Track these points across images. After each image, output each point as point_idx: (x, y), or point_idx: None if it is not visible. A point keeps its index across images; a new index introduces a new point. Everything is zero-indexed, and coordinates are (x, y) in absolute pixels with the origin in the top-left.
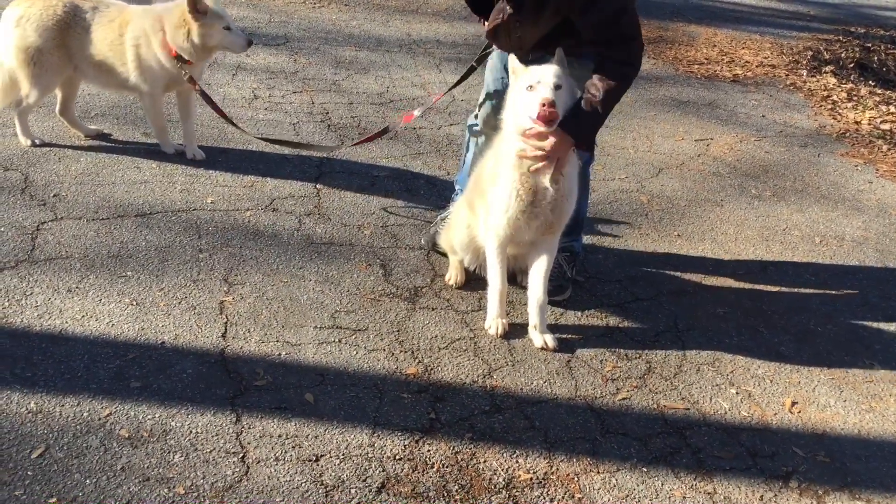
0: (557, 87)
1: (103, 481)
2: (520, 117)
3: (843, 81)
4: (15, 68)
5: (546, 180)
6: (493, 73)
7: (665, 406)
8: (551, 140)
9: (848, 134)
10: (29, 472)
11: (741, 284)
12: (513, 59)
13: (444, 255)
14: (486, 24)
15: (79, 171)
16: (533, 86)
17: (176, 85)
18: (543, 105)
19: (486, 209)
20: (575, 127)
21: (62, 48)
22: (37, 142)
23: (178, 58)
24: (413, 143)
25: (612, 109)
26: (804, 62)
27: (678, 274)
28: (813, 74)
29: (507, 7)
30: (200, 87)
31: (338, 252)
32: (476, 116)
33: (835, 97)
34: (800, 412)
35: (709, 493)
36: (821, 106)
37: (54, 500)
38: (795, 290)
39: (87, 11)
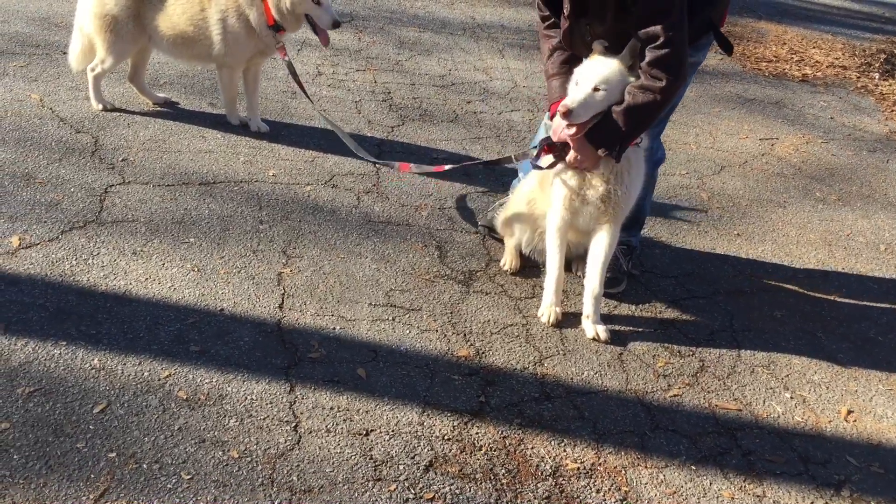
0: (596, 90)
1: (161, 440)
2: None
3: None
4: (92, 34)
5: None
6: None
7: (717, 405)
8: (571, 153)
9: None
10: (91, 426)
11: (801, 288)
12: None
13: (500, 240)
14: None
15: (147, 138)
16: (578, 83)
17: (259, 57)
18: (562, 112)
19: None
20: (596, 133)
21: (137, 18)
22: (108, 106)
23: (273, 27)
24: (473, 128)
25: (641, 126)
26: (877, 65)
27: (736, 273)
28: (885, 78)
29: (567, 7)
30: (289, 57)
31: (394, 231)
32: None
33: None
34: (855, 421)
35: (758, 496)
36: (892, 110)
37: (114, 454)
38: (857, 297)
39: None
